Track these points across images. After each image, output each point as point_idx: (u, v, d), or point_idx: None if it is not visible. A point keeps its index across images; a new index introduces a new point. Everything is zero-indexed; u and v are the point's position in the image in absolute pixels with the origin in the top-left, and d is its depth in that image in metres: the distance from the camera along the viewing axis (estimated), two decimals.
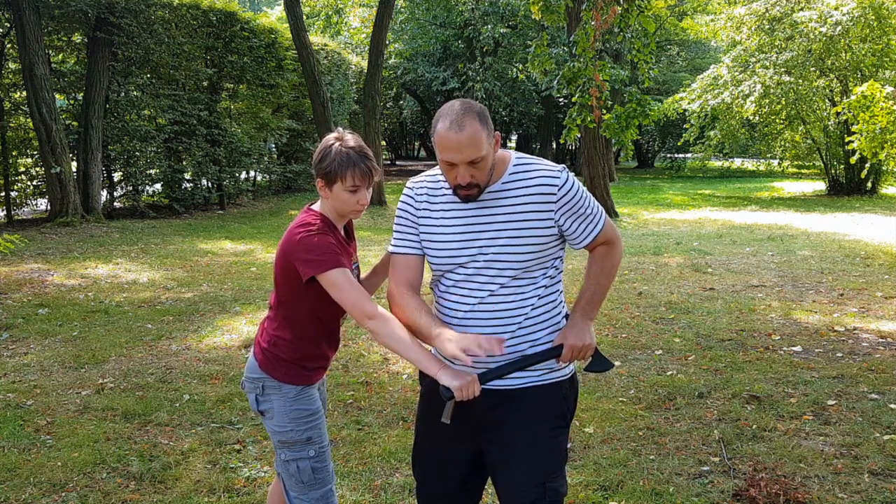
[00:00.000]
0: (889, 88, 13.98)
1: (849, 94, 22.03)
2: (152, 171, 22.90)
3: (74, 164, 20.40)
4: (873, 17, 25.50)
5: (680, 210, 26.38)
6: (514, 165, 3.49)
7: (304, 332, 3.83)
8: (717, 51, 43.48)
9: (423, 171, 3.89)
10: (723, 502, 5.28)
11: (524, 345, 3.46)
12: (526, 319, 3.46)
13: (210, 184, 24.82)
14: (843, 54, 27.92)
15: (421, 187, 3.64)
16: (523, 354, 3.45)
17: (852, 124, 15.61)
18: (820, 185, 33.30)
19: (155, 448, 6.25)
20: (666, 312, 10.72)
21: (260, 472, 5.77)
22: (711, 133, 33.76)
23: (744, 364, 8.33)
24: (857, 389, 7.40)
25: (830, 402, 7.10)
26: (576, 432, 6.52)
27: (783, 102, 29.25)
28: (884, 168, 26.49)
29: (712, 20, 34.73)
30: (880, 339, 9.14)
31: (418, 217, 3.60)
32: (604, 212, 3.61)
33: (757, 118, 32.03)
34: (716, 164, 48.46)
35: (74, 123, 20.88)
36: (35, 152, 20.47)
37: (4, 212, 20.28)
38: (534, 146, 58.30)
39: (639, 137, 27.49)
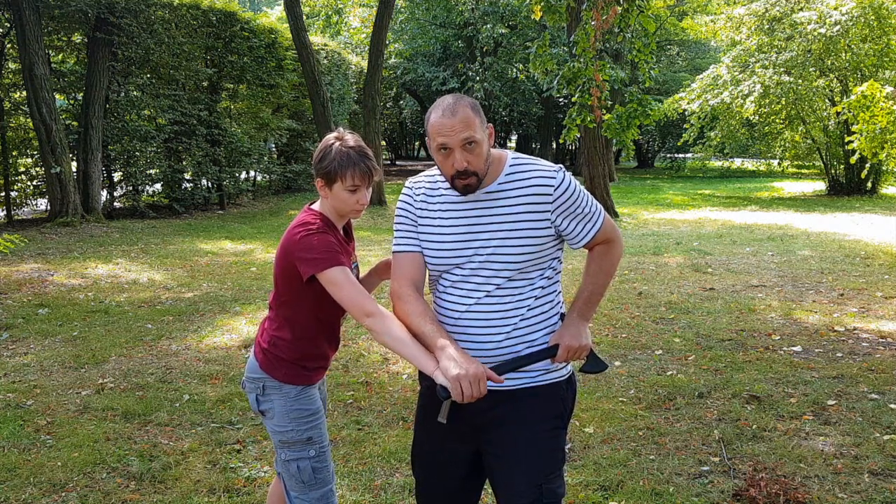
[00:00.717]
0: (889, 88, 13.98)
1: (849, 93, 22.01)
2: (152, 171, 22.92)
3: (74, 164, 20.41)
4: (873, 17, 25.49)
5: (680, 210, 26.38)
6: (511, 166, 3.48)
7: (305, 332, 3.83)
8: (717, 51, 43.47)
9: (423, 170, 3.89)
10: (723, 502, 5.27)
11: (521, 345, 3.45)
12: (522, 320, 3.45)
13: (210, 184, 24.84)
14: (843, 54, 27.91)
15: (419, 186, 3.64)
16: (518, 355, 3.44)
17: (852, 124, 15.61)
18: (820, 185, 33.30)
19: (155, 448, 6.25)
20: (666, 312, 10.72)
21: (260, 472, 5.77)
22: (711, 133, 33.76)
23: (744, 364, 8.32)
24: (857, 389, 7.40)
25: (830, 402, 7.09)
26: (576, 432, 6.52)
27: (783, 102, 29.25)
28: (884, 168, 26.49)
29: (712, 20, 34.74)
30: (880, 339, 9.14)
31: (417, 216, 3.60)
32: (603, 210, 3.59)
33: (756, 118, 32.03)
34: (716, 164, 48.47)
35: (74, 123, 20.89)
36: (35, 152, 20.51)
37: (4, 212, 20.30)
38: (534, 146, 58.32)
39: (639, 137, 27.54)
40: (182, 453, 6.14)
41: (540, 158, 3.57)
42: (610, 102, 15.09)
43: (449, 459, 3.68)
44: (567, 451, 6.07)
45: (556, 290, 3.58)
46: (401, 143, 66.45)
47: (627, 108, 14.24)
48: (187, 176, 23.92)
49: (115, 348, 9.09)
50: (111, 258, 15.16)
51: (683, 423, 6.73)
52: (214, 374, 8.14)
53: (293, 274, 3.67)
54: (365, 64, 31.15)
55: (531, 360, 3.43)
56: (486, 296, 3.44)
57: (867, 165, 21.37)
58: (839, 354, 8.55)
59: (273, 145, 28.69)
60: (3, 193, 20.17)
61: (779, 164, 42.79)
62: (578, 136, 21.29)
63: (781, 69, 27.44)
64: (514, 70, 46.84)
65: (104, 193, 21.74)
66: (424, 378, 3.57)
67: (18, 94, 20.52)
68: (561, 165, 3.51)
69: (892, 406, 6.96)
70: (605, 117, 14.24)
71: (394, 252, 3.65)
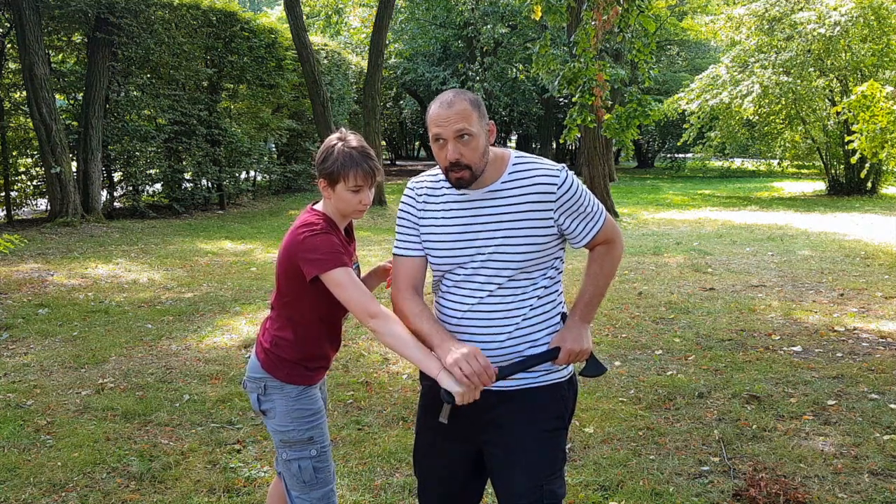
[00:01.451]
0: (889, 88, 13.98)
1: (849, 93, 22.01)
2: (152, 171, 22.92)
3: (74, 164, 20.41)
4: (873, 17, 25.51)
5: (680, 210, 26.40)
6: (513, 165, 3.48)
7: (307, 332, 3.83)
8: (717, 51, 43.48)
9: (423, 170, 3.90)
10: (723, 502, 5.27)
11: (523, 345, 3.45)
12: (524, 320, 3.45)
13: (210, 184, 24.83)
14: (843, 54, 27.91)
15: (421, 187, 3.64)
16: (522, 356, 3.45)
17: (852, 124, 15.60)
18: (820, 185, 33.31)
19: (155, 448, 6.24)
20: (666, 312, 10.72)
21: (260, 472, 5.76)
22: (711, 133, 33.78)
23: (744, 364, 8.32)
24: (857, 389, 7.40)
25: (830, 402, 7.09)
26: (576, 432, 6.52)
27: (782, 102, 29.26)
28: (884, 168, 26.52)
29: (712, 20, 34.72)
30: (880, 339, 9.14)
31: (419, 217, 3.60)
32: (604, 209, 3.59)
33: (756, 118, 32.03)
34: (716, 164, 48.47)
35: (74, 123, 20.89)
36: (35, 152, 20.50)
37: (4, 212, 20.30)
38: (534, 146, 58.31)
39: (639, 137, 27.53)
40: (182, 453, 6.14)
41: (542, 157, 3.57)
42: (610, 102, 15.07)
43: (450, 460, 3.69)
44: (567, 450, 6.08)
45: (558, 290, 3.58)
46: (401, 143, 66.44)
47: (627, 108, 14.22)
48: (187, 176, 23.91)
49: (115, 348, 9.09)
50: (111, 258, 15.16)
51: (683, 423, 6.73)
52: (214, 374, 8.14)
53: (296, 274, 3.66)
54: (365, 64, 31.15)
55: (534, 362, 3.43)
56: (489, 295, 3.44)
57: (867, 165, 21.39)
58: (839, 354, 8.55)
59: (273, 145, 28.68)
60: (2, 193, 20.17)
61: (779, 164, 42.80)
62: (579, 136, 21.30)
63: (780, 69, 27.45)
64: (515, 70, 46.85)
65: (104, 193, 21.74)
66: (425, 378, 3.58)
67: (18, 94, 20.52)
68: (564, 165, 3.51)
69: (892, 406, 6.96)
70: (606, 117, 14.23)
71: (394, 255, 3.67)
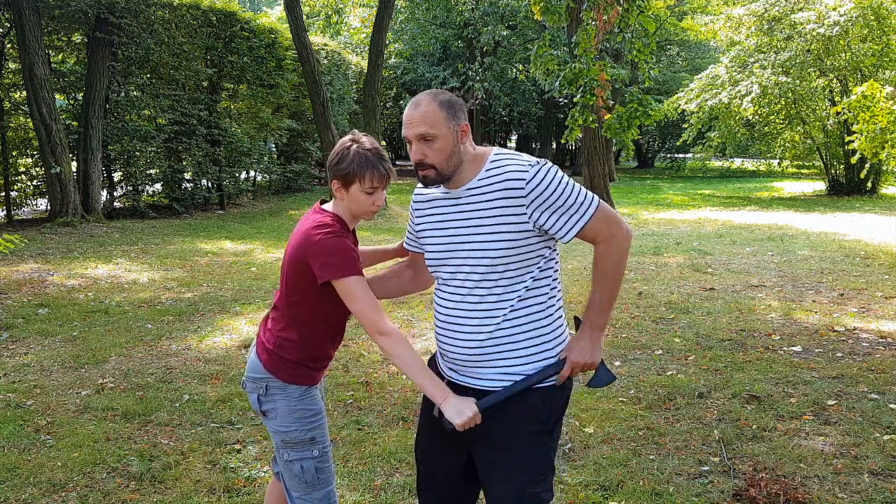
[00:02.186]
0: (889, 88, 13.99)
1: (849, 93, 22.01)
2: (152, 171, 22.91)
3: (74, 163, 20.40)
4: (873, 18, 25.51)
5: (680, 210, 26.41)
6: (490, 162, 3.49)
7: (312, 333, 3.82)
8: (717, 51, 43.46)
9: None
10: (723, 502, 5.28)
11: (507, 345, 3.48)
12: (504, 321, 3.46)
13: (210, 184, 24.82)
14: (843, 54, 27.91)
15: (417, 187, 3.75)
16: (525, 376, 3.48)
17: (852, 124, 15.61)
18: (820, 185, 33.31)
19: (155, 448, 6.25)
20: (666, 312, 10.72)
21: (260, 472, 5.77)
22: (711, 134, 33.79)
23: (744, 364, 8.33)
24: (857, 389, 7.40)
25: (830, 402, 7.10)
26: (576, 432, 6.52)
27: (782, 102, 29.28)
28: (884, 168, 26.52)
29: (711, 21, 34.73)
30: (880, 339, 9.13)
31: (415, 217, 3.76)
32: (596, 204, 3.48)
33: (755, 118, 32.03)
34: (716, 164, 48.51)
35: (74, 123, 20.89)
36: (35, 152, 20.49)
37: (4, 211, 20.30)
38: (534, 146, 58.34)
39: (639, 137, 27.52)
40: (182, 453, 6.15)
41: (524, 154, 3.54)
42: (612, 102, 15.03)
43: (445, 463, 3.76)
44: (568, 450, 6.09)
45: (545, 291, 3.54)
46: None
47: (628, 108, 14.21)
48: (187, 176, 23.91)
49: (115, 348, 9.10)
50: (111, 258, 15.16)
51: (683, 423, 6.73)
52: (214, 374, 8.14)
53: (307, 276, 3.65)
54: (365, 64, 31.13)
55: (536, 379, 3.46)
56: (469, 293, 3.48)
57: (867, 165, 21.39)
58: (839, 354, 8.55)
59: (273, 145, 28.68)
60: (2, 193, 20.17)
61: (779, 164, 42.79)
62: (579, 136, 21.36)
63: (780, 69, 27.45)
64: (515, 70, 46.87)
65: (104, 193, 21.73)
66: None
67: (18, 94, 20.51)
68: (543, 160, 3.47)
69: (892, 406, 6.97)
70: (606, 118, 14.23)
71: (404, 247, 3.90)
